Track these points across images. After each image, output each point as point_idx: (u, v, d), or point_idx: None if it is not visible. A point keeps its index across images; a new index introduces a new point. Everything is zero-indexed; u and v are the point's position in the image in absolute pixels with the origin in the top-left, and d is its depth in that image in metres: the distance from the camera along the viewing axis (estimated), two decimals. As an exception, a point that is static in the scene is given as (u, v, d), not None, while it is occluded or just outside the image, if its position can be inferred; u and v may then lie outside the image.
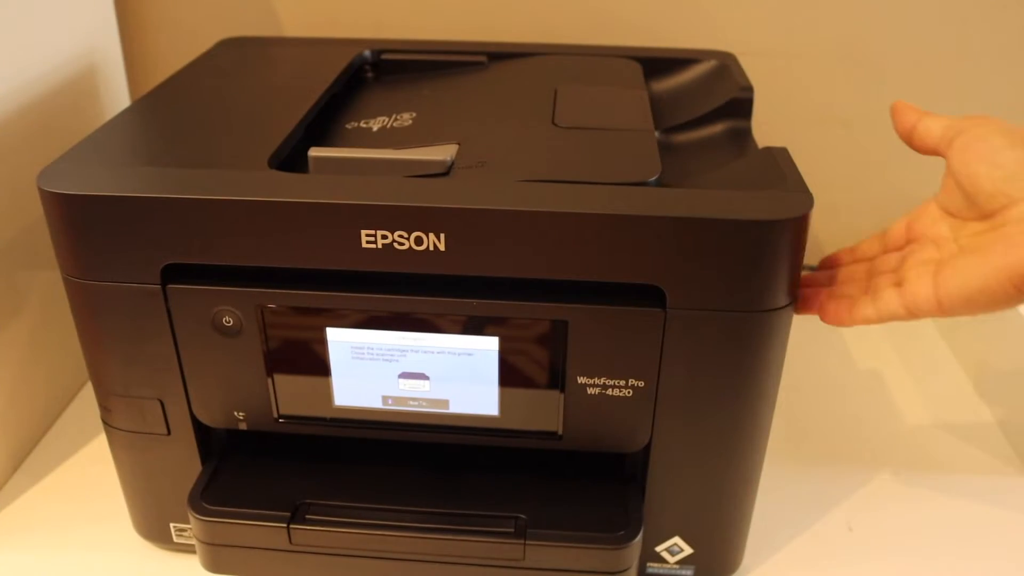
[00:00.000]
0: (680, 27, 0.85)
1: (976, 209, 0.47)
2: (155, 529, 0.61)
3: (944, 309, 0.45)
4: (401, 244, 0.47)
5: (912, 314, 0.47)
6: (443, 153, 0.52)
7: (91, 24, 0.78)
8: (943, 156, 0.49)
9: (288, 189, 0.47)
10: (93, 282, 0.50)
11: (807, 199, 0.47)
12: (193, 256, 0.48)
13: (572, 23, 0.86)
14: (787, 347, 0.51)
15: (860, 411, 0.79)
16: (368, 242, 0.47)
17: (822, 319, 0.52)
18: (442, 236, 0.46)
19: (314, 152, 0.51)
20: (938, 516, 0.67)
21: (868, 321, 0.49)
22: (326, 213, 0.46)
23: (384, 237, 0.47)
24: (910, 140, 0.50)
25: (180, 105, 0.62)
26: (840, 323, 0.50)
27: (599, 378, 0.51)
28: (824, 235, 0.94)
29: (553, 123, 0.58)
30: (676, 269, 0.47)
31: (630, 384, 0.50)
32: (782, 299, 0.48)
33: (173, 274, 0.50)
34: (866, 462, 0.72)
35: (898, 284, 0.48)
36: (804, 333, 0.88)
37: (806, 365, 0.84)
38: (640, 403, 0.51)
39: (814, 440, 0.75)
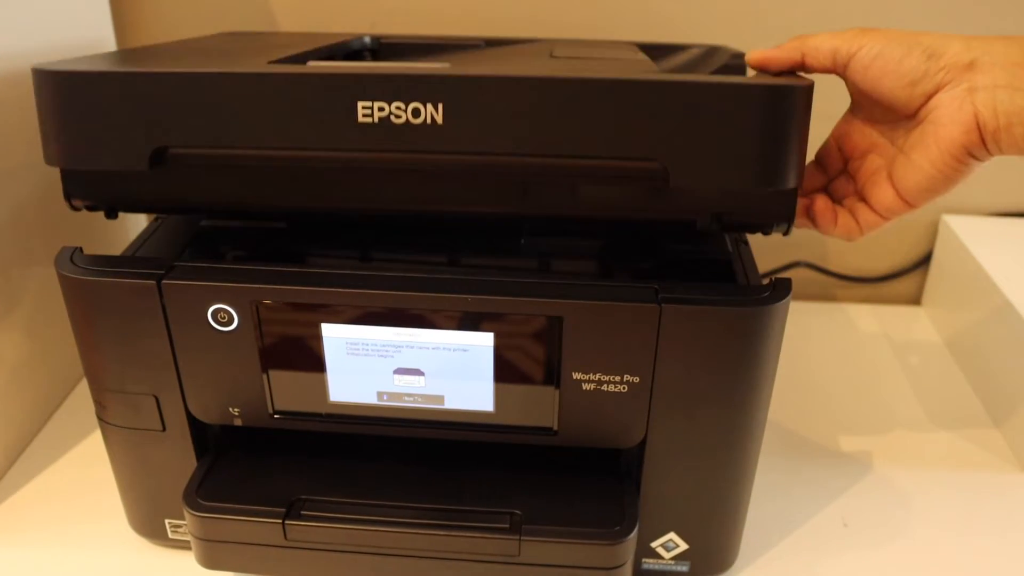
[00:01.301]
0: (679, 22, 0.85)
1: (896, 113, 0.50)
2: (150, 525, 0.61)
3: (911, 204, 0.50)
4: (398, 117, 0.46)
5: (886, 218, 0.52)
6: (439, 68, 0.51)
7: (86, 18, 0.78)
8: (839, 76, 0.51)
9: (284, 69, 0.47)
10: (89, 278, 0.50)
11: (807, 81, 0.47)
12: (185, 138, 0.47)
13: (570, 18, 0.86)
14: (782, 343, 0.52)
15: (855, 407, 0.79)
16: (364, 115, 0.46)
17: (815, 224, 0.54)
18: (440, 107, 0.45)
19: (311, 65, 0.50)
20: (933, 512, 0.67)
21: (851, 231, 0.53)
22: (322, 84, 0.45)
23: (381, 110, 0.45)
24: (801, 70, 0.52)
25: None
26: (827, 230, 0.54)
27: (594, 374, 0.51)
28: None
29: (551, 56, 0.58)
30: (678, 141, 0.45)
31: (625, 380, 0.51)
32: (790, 180, 0.47)
33: (168, 269, 0.50)
34: (861, 458, 0.72)
35: (863, 199, 0.53)
36: (799, 330, 0.89)
37: (801, 362, 0.84)
38: (635, 399, 0.51)
39: (809, 436, 0.75)
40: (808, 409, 0.78)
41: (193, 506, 0.53)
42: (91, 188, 0.52)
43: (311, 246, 0.59)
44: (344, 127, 0.46)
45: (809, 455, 0.73)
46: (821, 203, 0.54)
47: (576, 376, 0.51)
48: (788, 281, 0.50)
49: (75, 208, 0.53)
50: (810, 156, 0.55)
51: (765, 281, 0.51)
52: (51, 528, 0.64)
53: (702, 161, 0.46)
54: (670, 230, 0.60)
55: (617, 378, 0.51)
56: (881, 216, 0.52)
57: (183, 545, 0.61)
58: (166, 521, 0.60)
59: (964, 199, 0.92)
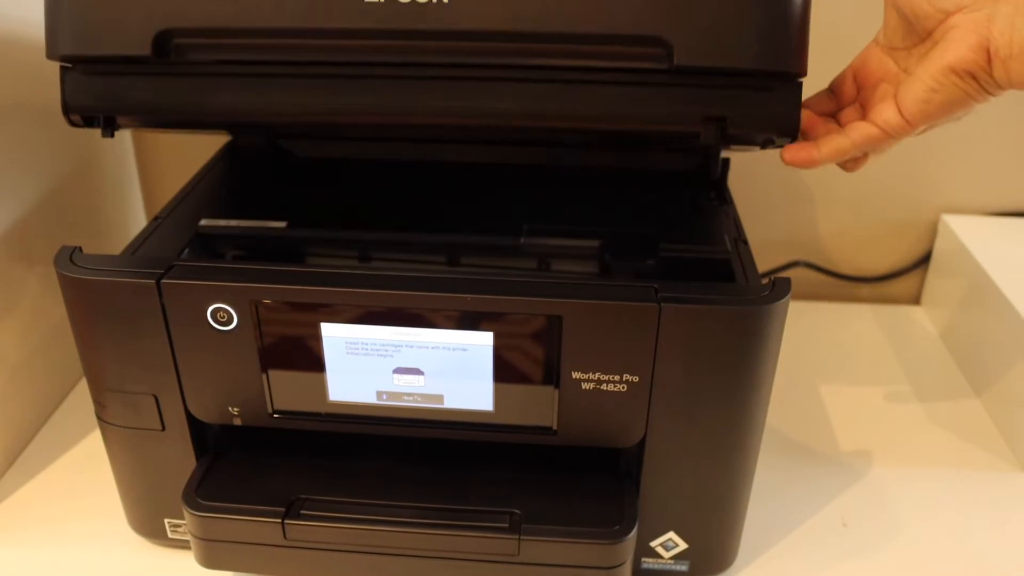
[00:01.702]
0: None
1: (915, 35, 0.50)
2: (150, 525, 0.61)
3: (910, 121, 0.49)
4: None
5: (884, 132, 0.50)
6: None
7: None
8: None
9: None
10: (88, 277, 0.50)
11: None
12: (189, 18, 0.47)
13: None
14: (781, 343, 0.51)
15: (855, 407, 0.79)
16: None
17: (787, 158, 0.52)
18: None
19: None
20: (933, 512, 0.67)
21: (840, 150, 0.51)
22: None
23: None
24: None
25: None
26: (810, 160, 0.52)
27: (593, 373, 0.51)
28: (824, 227, 0.95)
29: None
30: (681, 14, 0.45)
31: (625, 379, 0.50)
32: (793, 62, 0.47)
33: (167, 268, 0.50)
34: (861, 458, 0.72)
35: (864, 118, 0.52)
36: (799, 329, 0.89)
37: (801, 361, 0.84)
38: (635, 398, 0.51)
39: (808, 436, 0.75)
40: (807, 409, 0.78)
41: (192, 506, 0.53)
42: (91, 90, 0.52)
43: (310, 246, 0.60)
44: (350, 6, 0.46)
45: (808, 455, 0.73)
46: (823, 122, 0.54)
47: (575, 375, 0.51)
48: (787, 281, 0.50)
49: (73, 123, 0.52)
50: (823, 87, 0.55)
51: (764, 280, 0.51)
52: (50, 528, 0.64)
53: (705, 36, 0.46)
54: (669, 229, 0.61)
55: (616, 377, 0.51)
56: (879, 128, 0.51)
57: (183, 545, 0.61)
58: (165, 521, 0.60)
59: (964, 199, 0.92)
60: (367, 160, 0.73)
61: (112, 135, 0.53)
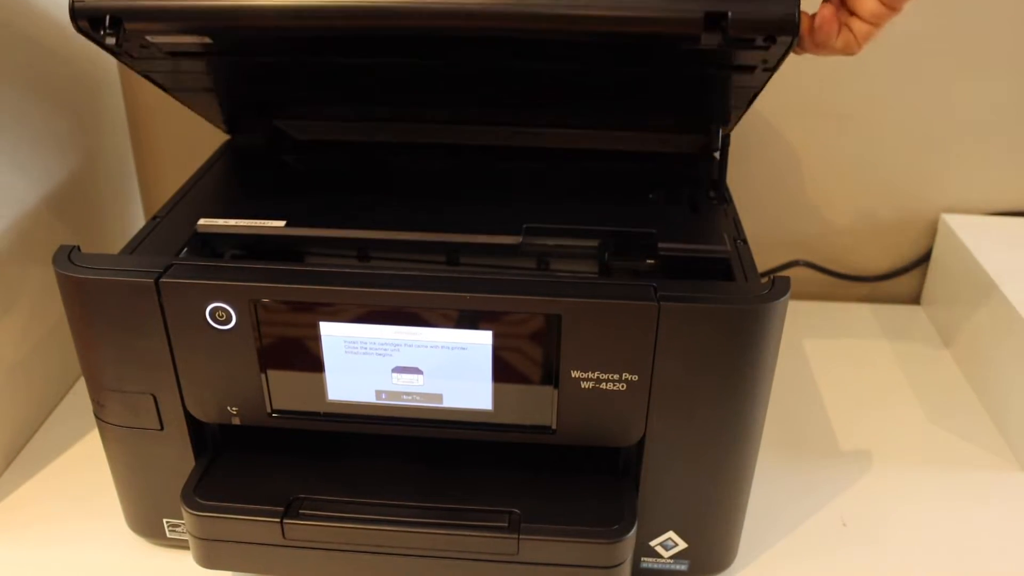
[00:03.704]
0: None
1: None
2: (148, 524, 0.61)
3: (890, 6, 0.50)
4: None
5: (874, 23, 0.51)
6: None
7: None
8: None
9: None
10: (86, 277, 0.50)
11: None
12: None
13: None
14: (781, 342, 0.51)
15: (854, 406, 0.79)
16: None
17: (818, 33, 0.52)
18: None
19: None
20: (932, 511, 0.67)
21: (850, 43, 0.52)
22: None
23: None
24: None
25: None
26: (828, 40, 0.52)
27: (593, 372, 0.50)
28: (824, 227, 0.95)
29: None
30: None
31: (624, 378, 0.50)
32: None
33: (166, 268, 0.50)
34: (860, 457, 0.72)
35: (853, 13, 0.52)
36: (798, 329, 0.89)
37: (800, 361, 0.84)
38: (634, 397, 0.51)
39: (808, 435, 0.75)
40: (807, 408, 0.78)
41: (191, 505, 0.53)
42: None
43: (309, 245, 0.59)
44: None
45: (808, 454, 0.73)
46: (827, 10, 0.53)
47: (575, 374, 0.51)
48: (787, 280, 0.50)
49: (80, 29, 0.50)
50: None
51: (764, 280, 0.51)
52: (49, 527, 0.64)
53: None
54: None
55: (616, 376, 0.50)
56: (869, 23, 0.51)
57: (181, 544, 0.61)
58: (164, 520, 0.60)
59: (964, 198, 0.92)
60: (365, 145, 0.73)
61: (117, 44, 0.51)
